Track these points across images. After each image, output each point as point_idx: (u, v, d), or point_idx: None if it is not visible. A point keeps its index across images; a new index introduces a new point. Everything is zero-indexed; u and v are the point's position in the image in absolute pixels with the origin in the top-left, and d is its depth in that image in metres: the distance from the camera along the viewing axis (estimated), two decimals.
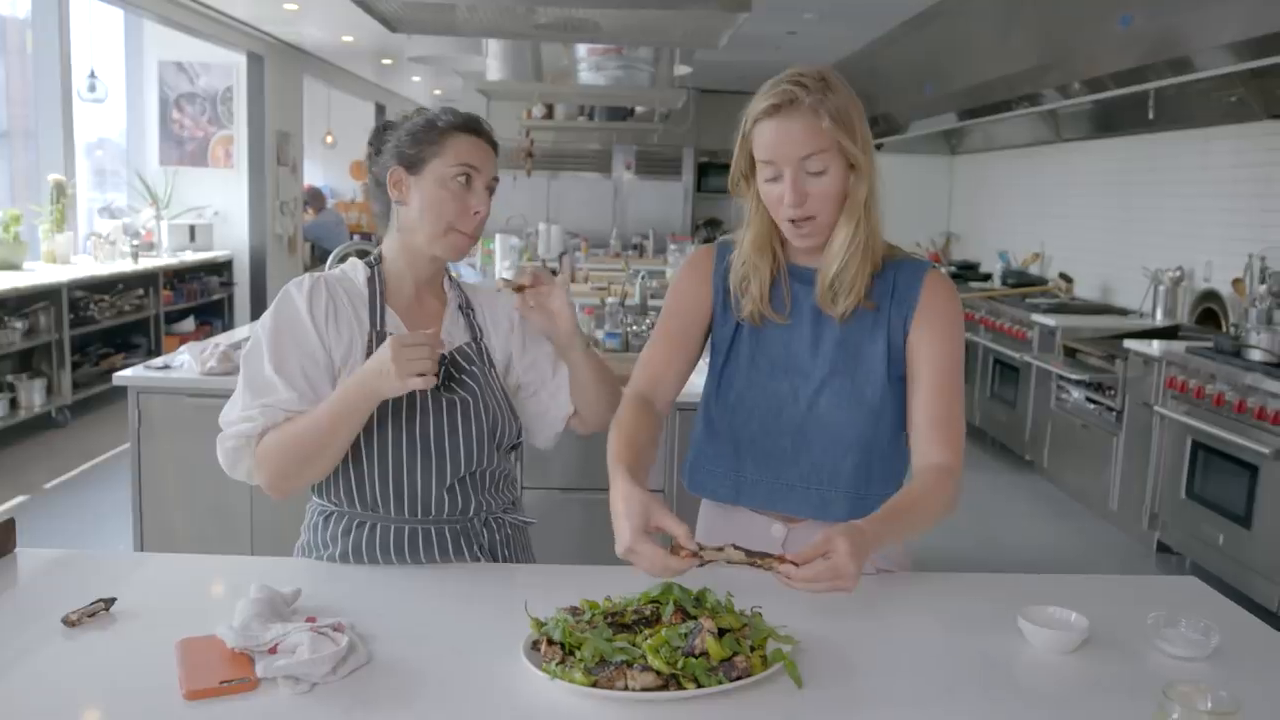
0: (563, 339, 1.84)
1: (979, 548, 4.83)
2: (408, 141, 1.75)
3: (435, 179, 1.73)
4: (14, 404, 6.02)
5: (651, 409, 1.72)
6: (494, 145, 1.80)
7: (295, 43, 9.94)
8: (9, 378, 6.09)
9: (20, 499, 5.00)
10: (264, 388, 1.66)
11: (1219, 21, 3.94)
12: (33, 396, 6.15)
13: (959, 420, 1.65)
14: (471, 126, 1.77)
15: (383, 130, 1.82)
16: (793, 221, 1.61)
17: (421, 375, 1.56)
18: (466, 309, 1.87)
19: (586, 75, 6.02)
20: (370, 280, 1.78)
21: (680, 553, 1.38)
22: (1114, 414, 5.04)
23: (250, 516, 3.27)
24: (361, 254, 1.89)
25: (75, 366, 6.61)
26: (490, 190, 1.78)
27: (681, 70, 6.96)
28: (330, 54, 10.77)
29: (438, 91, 13.96)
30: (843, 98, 1.58)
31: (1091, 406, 5.26)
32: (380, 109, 13.55)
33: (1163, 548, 4.68)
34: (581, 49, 5.86)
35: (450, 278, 1.89)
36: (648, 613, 1.37)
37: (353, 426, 1.64)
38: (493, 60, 6.04)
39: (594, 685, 1.24)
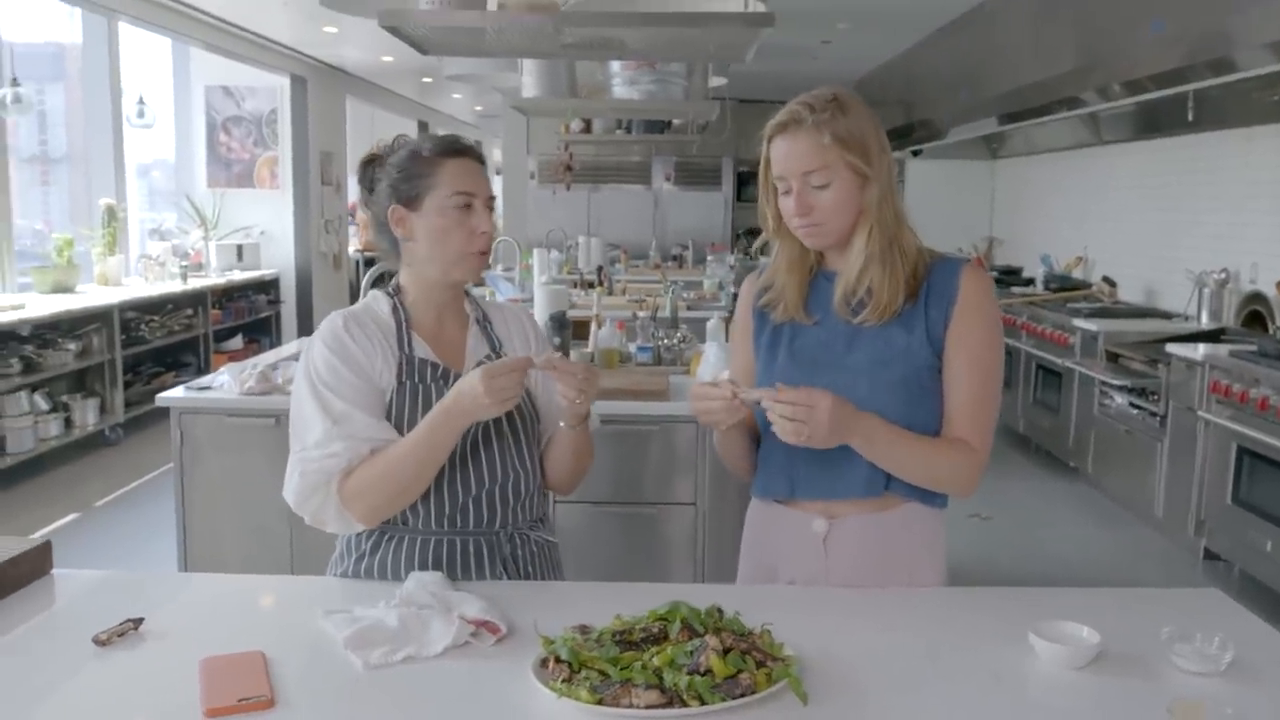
0: (565, 416, 1.84)
1: (1024, 557, 4.78)
2: (400, 177, 1.79)
3: (436, 209, 1.77)
4: (68, 423, 6.18)
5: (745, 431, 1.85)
6: (481, 161, 1.84)
7: (337, 64, 10.13)
8: (64, 398, 6.25)
9: (72, 516, 5.14)
10: (342, 418, 1.71)
11: (1259, 21, 3.88)
12: (86, 416, 6.32)
13: (990, 410, 1.74)
14: (457, 149, 1.80)
15: (369, 166, 1.85)
16: (801, 227, 1.73)
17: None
18: (484, 322, 1.92)
19: (620, 90, 6.06)
20: (394, 310, 1.82)
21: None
22: (1158, 419, 4.96)
23: (290, 535, 3.33)
24: (377, 282, 1.94)
25: (127, 386, 6.78)
26: (489, 207, 1.81)
27: (716, 82, 6.99)
28: (371, 74, 10.95)
29: (479, 108, 14.12)
30: (853, 118, 1.68)
31: (1135, 412, 5.19)
32: (423, 126, 13.73)
33: (1210, 555, 4.60)
34: (614, 64, 5.90)
35: (468, 295, 1.93)
36: (655, 631, 1.39)
37: (446, 452, 1.71)
38: (528, 77, 6.09)
39: (599, 703, 1.26)
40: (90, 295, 6.72)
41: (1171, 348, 4.86)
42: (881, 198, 1.70)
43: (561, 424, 1.86)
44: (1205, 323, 5.51)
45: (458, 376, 1.79)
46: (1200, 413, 4.53)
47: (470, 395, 1.64)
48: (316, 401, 1.72)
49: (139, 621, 1.52)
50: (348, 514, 1.72)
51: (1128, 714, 1.31)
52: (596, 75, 6.39)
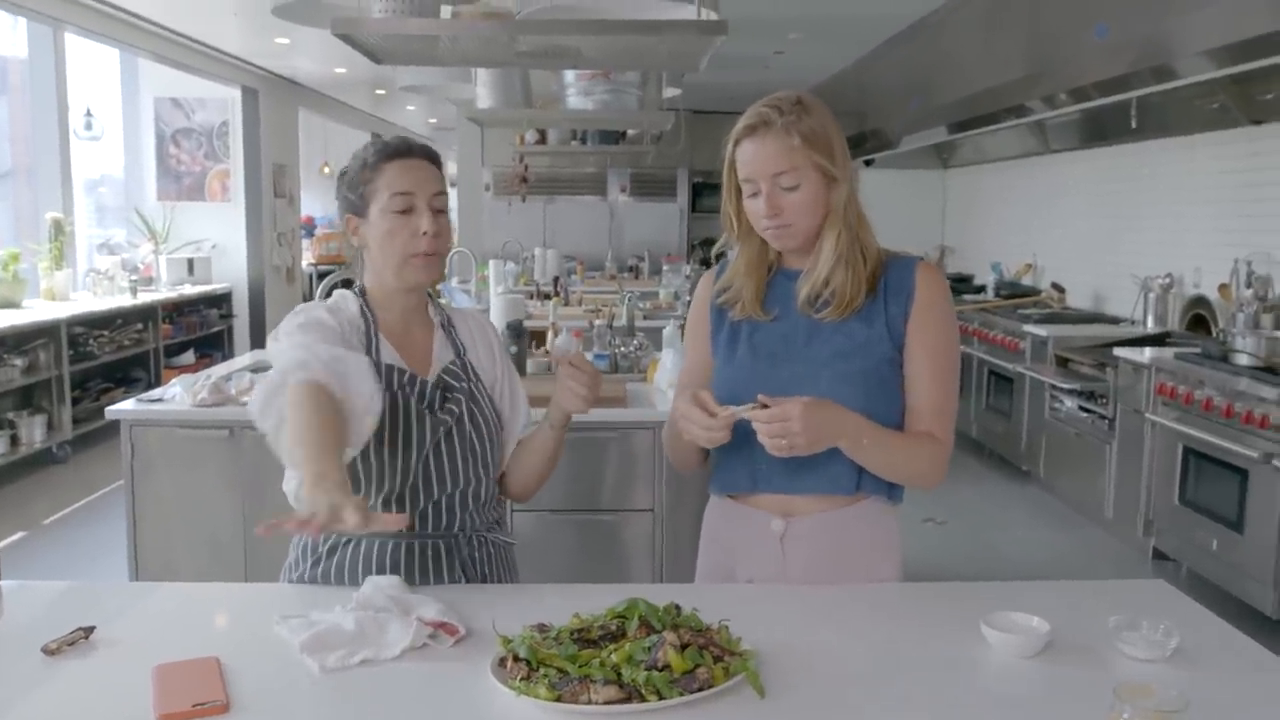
0: (558, 415, 1.85)
1: (977, 558, 4.84)
2: (348, 187, 1.81)
3: (379, 214, 1.77)
4: (14, 441, 6.06)
5: None
6: (431, 159, 1.82)
7: (289, 76, 10.05)
8: (9, 414, 6.12)
9: (19, 534, 5.03)
10: (317, 339, 1.67)
11: (1199, 28, 3.98)
12: (33, 433, 6.19)
13: (951, 403, 1.79)
14: (399, 151, 1.79)
15: (340, 180, 1.86)
16: (769, 229, 1.75)
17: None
18: (448, 327, 1.91)
19: (575, 100, 6.07)
20: (362, 311, 1.82)
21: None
22: (1107, 422, 5.05)
23: (244, 545, 3.29)
24: (345, 284, 1.93)
25: (75, 402, 6.66)
26: (436, 207, 1.78)
27: (670, 93, 7.02)
28: (324, 86, 10.88)
29: (433, 120, 14.07)
30: (817, 119, 1.71)
31: (1084, 415, 5.28)
32: (376, 139, 13.65)
33: (1159, 554, 4.68)
34: (569, 74, 5.91)
35: (433, 300, 1.93)
36: (613, 628, 1.40)
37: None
38: (482, 88, 6.09)
39: (558, 700, 1.26)
40: (37, 310, 6.60)
41: (1119, 351, 4.96)
42: (848, 198, 1.73)
43: (547, 425, 1.86)
44: (1151, 327, 5.62)
45: (423, 383, 1.80)
46: (1147, 415, 4.62)
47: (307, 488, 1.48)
48: (292, 338, 1.68)
49: (90, 630, 1.50)
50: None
51: (1077, 700, 1.33)
52: (551, 86, 6.40)
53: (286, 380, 1.57)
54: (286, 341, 1.68)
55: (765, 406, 1.61)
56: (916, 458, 1.75)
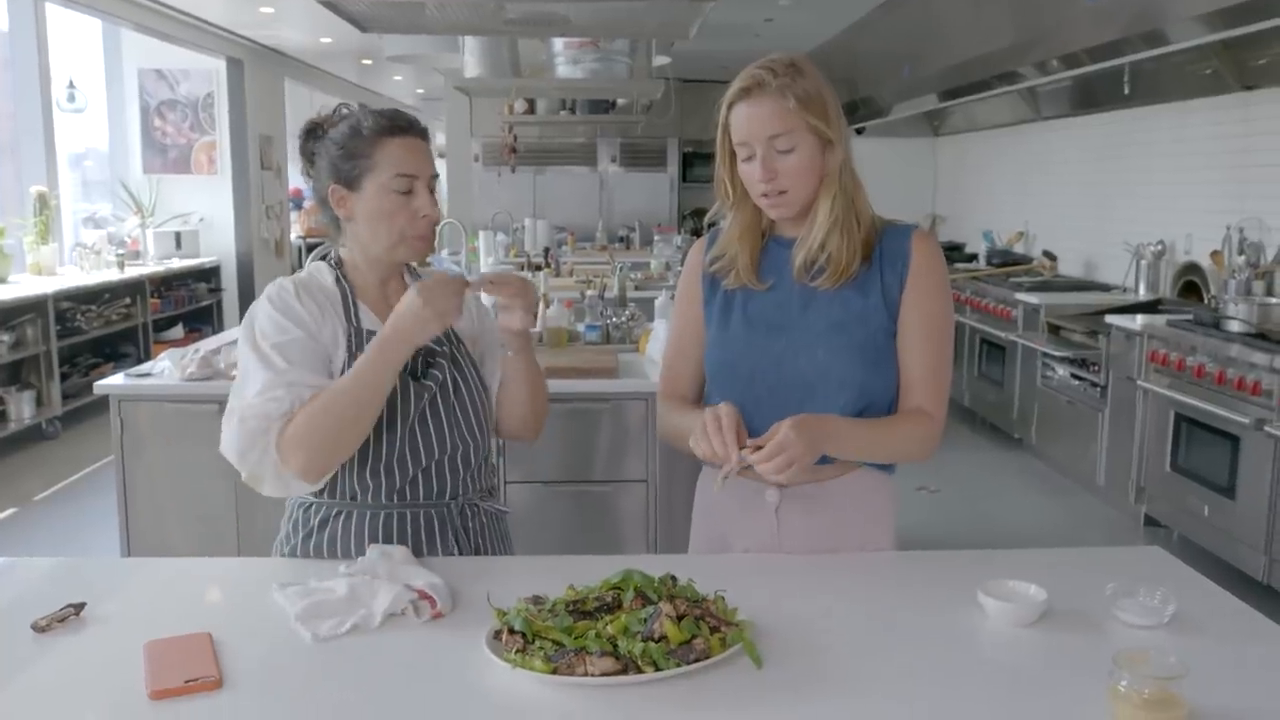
0: (511, 340, 1.84)
1: (970, 526, 4.85)
2: (340, 156, 1.74)
3: (376, 192, 1.72)
4: (3, 417, 6.02)
5: (685, 403, 1.87)
6: (424, 136, 1.79)
7: (274, 46, 9.93)
8: None
9: (9, 511, 5.02)
10: (284, 370, 1.66)
11: None
12: (22, 409, 6.15)
13: (945, 374, 1.76)
14: (399, 126, 1.75)
15: (309, 136, 1.80)
16: (765, 196, 1.71)
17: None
18: None
19: (564, 69, 6.04)
20: (338, 281, 1.79)
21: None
22: (1099, 389, 5.06)
23: (235, 520, 3.28)
24: (321, 256, 1.91)
25: (64, 378, 6.61)
26: (432, 187, 1.77)
27: (660, 61, 6.98)
28: (310, 56, 10.76)
29: (420, 90, 13.95)
30: (811, 81, 1.68)
31: (1076, 383, 5.28)
32: (364, 108, 13.52)
33: (1150, 521, 4.70)
34: (558, 43, 5.87)
35: (409, 267, 1.90)
36: (609, 599, 1.39)
37: (384, 390, 1.66)
38: (470, 57, 6.04)
39: (554, 673, 1.25)
40: (23, 285, 6.54)
41: (1111, 319, 4.96)
42: (843, 162, 1.71)
43: (508, 351, 1.86)
44: (1143, 294, 5.62)
45: None
46: (1139, 382, 4.62)
47: (410, 314, 1.62)
48: (259, 357, 1.67)
49: (80, 607, 1.48)
50: (286, 469, 1.65)
51: (1075, 667, 1.33)
52: (540, 55, 6.35)
53: (269, 427, 1.64)
54: (257, 376, 1.66)
55: (758, 448, 1.57)
56: (907, 441, 1.73)
